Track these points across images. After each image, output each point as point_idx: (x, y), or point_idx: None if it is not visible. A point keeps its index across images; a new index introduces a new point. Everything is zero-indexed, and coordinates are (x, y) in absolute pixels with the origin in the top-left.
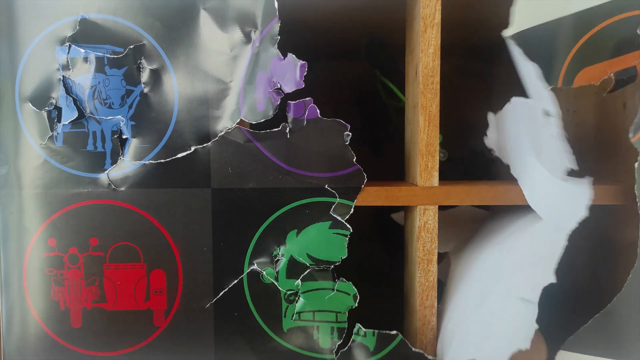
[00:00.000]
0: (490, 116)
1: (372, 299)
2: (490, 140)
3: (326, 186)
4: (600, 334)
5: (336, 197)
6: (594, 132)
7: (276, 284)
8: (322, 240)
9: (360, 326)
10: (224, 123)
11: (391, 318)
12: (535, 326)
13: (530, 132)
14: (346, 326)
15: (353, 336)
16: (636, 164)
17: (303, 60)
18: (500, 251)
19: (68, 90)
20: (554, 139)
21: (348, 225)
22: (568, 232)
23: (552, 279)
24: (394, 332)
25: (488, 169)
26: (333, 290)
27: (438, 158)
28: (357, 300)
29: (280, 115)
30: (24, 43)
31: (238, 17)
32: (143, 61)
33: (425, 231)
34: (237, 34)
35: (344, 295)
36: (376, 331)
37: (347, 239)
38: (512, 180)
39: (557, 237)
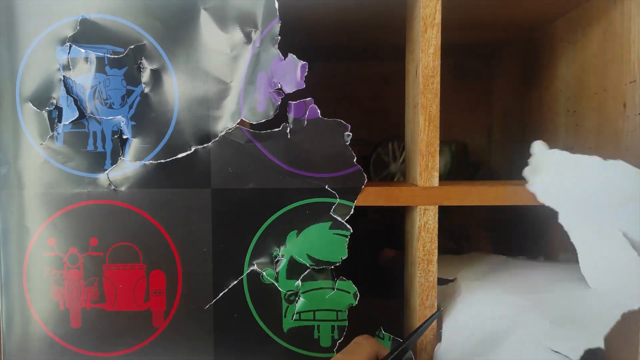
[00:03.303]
0: (539, 147)
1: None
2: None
3: (326, 187)
4: None
5: (336, 198)
6: (594, 132)
7: (276, 284)
8: (322, 241)
9: (382, 329)
10: (225, 123)
11: (391, 318)
12: None
13: (614, 200)
14: (347, 324)
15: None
16: None
17: (303, 61)
18: (530, 300)
19: (68, 91)
20: None
21: (348, 226)
22: (626, 311)
23: (600, 344)
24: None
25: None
26: (333, 289)
27: (438, 158)
28: (357, 298)
29: (280, 115)
30: (24, 43)
31: (238, 17)
32: (143, 61)
33: (425, 231)
34: (237, 34)
35: (344, 293)
36: (392, 337)
37: (347, 239)
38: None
39: (615, 312)
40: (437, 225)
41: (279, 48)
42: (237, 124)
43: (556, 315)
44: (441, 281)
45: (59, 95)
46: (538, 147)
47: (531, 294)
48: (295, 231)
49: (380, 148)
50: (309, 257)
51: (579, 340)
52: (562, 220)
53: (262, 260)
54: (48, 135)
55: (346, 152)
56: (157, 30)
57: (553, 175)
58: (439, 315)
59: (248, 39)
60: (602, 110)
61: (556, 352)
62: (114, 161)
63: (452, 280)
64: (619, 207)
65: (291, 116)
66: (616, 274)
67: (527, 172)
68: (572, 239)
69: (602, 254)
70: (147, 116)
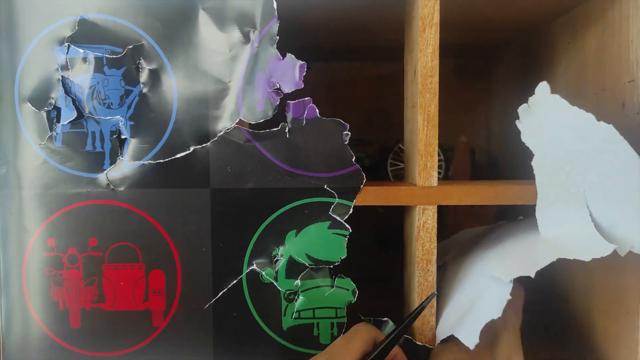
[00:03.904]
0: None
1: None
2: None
3: (325, 186)
4: None
5: (335, 197)
6: None
7: (275, 284)
8: (321, 241)
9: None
10: (223, 123)
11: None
12: (508, 298)
13: (587, 159)
14: (345, 321)
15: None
16: None
17: (302, 61)
18: (492, 251)
19: (67, 91)
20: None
21: (347, 226)
22: (566, 257)
23: (531, 274)
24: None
25: None
26: (332, 287)
27: (437, 158)
28: (356, 295)
29: (279, 115)
30: (23, 43)
31: (237, 17)
32: (142, 61)
33: (424, 231)
34: (236, 34)
35: (343, 291)
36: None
37: (346, 239)
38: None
39: (552, 255)
40: (436, 225)
41: (277, 48)
42: (236, 123)
43: (505, 254)
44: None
45: (58, 95)
46: (541, 89)
47: (496, 247)
48: (294, 231)
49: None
50: (308, 256)
51: (514, 268)
52: (534, 163)
53: (261, 259)
54: (47, 135)
55: (345, 151)
56: (156, 31)
57: (543, 119)
58: (432, 299)
59: (246, 39)
60: (601, 109)
61: (495, 277)
62: (113, 161)
63: (443, 265)
64: (591, 166)
65: (290, 116)
66: (564, 224)
67: (521, 109)
68: (537, 183)
69: (559, 205)
70: (146, 116)
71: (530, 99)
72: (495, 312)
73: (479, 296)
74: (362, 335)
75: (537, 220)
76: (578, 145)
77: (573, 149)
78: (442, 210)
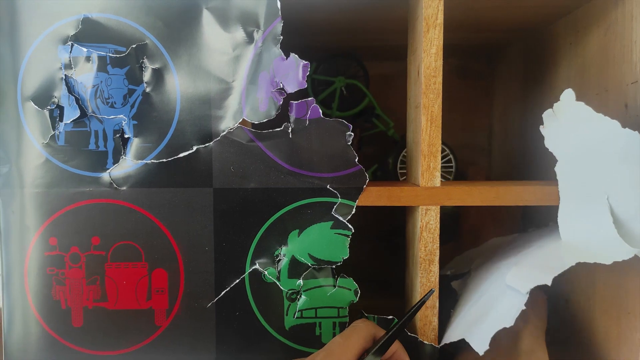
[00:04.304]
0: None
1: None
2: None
3: (328, 186)
4: None
5: (338, 198)
6: None
7: (278, 283)
8: (323, 241)
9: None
10: (226, 123)
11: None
12: (522, 308)
13: (613, 163)
14: (347, 320)
15: None
16: None
17: (305, 61)
18: (511, 259)
19: (70, 89)
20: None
21: (350, 226)
22: (587, 261)
23: (548, 282)
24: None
25: None
26: (334, 286)
27: (440, 158)
28: (358, 295)
29: (282, 115)
30: (26, 42)
31: (240, 16)
32: (145, 60)
33: (427, 231)
34: (239, 34)
35: (345, 290)
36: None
37: (349, 239)
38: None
39: (571, 260)
40: (438, 225)
41: (281, 48)
42: (239, 123)
43: (522, 263)
44: (460, 276)
45: (61, 94)
46: (567, 95)
47: (515, 255)
48: (297, 230)
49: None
50: (311, 256)
51: (530, 278)
52: (558, 168)
53: (263, 259)
54: (49, 134)
55: (348, 151)
56: (159, 30)
57: (567, 125)
58: (432, 295)
59: (250, 38)
60: (604, 110)
61: (511, 287)
62: (116, 160)
63: (468, 273)
64: (616, 172)
65: (293, 116)
66: (586, 229)
67: (546, 115)
68: (560, 188)
69: (582, 210)
70: (149, 115)
71: (555, 105)
72: (508, 321)
73: (494, 304)
74: (361, 332)
75: (558, 226)
76: (603, 151)
77: (597, 155)
78: (462, 214)
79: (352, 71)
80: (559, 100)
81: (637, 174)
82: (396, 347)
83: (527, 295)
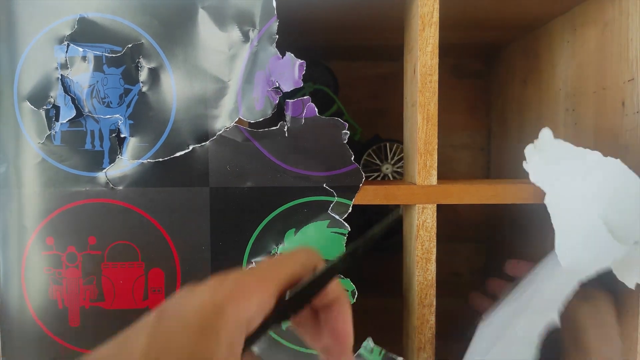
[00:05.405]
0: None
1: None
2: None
3: (324, 185)
4: None
5: (334, 196)
6: (593, 130)
7: None
8: (320, 239)
9: (371, 340)
10: (223, 122)
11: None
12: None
13: (604, 191)
14: None
15: (360, 349)
16: None
17: (301, 60)
18: (518, 300)
19: (66, 89)
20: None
21: (346, 224)
22: (583, 278)
23: (555, 317)
24: (400, 358)
25: None
26: None
27: (436, 156)
28: (355, 296)
29: (278, 114)
30: (22, 42)
31: (236, 16)
32: (141, 60)
33: (423, 230)
34: (235, 33)
35: None
36: (383, 351)
37: (345, 237)
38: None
39: (573, 282)
40: (435, 224)
41: (277, 47)
42: (235, 122)
43: (530, 302)
44: None
45: (57, 93)
46: (544, 134)
47: (526, 291)
48: (294, 229)
49: (371, 149)
50: None
51: (537, 323)
52: (547, 201)
53: (260, 258)
54: (46, 134)
55: (344, 150)
56: (155, 29)
57: (549, 159)
58: (397, 216)
59: (246, 37)
60: (601, 108)
61: (525, 338)
62: (112, 160)
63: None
64: (603, 202)
65: (289, 115)
66: (584, 248)
67: (527, 150)
68: (552, 220)
69: (578, 235)
70: (145, 115)
71: (536, 141)
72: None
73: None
74: (298, 258)
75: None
76: (587, 182)
77: (582, 185)
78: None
79: (321, 78)
80: (539, 134)
81: (624, 199)
82: (338, 292)
83: (536, 346)
